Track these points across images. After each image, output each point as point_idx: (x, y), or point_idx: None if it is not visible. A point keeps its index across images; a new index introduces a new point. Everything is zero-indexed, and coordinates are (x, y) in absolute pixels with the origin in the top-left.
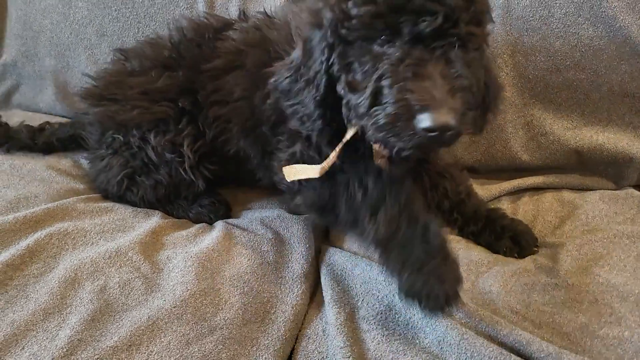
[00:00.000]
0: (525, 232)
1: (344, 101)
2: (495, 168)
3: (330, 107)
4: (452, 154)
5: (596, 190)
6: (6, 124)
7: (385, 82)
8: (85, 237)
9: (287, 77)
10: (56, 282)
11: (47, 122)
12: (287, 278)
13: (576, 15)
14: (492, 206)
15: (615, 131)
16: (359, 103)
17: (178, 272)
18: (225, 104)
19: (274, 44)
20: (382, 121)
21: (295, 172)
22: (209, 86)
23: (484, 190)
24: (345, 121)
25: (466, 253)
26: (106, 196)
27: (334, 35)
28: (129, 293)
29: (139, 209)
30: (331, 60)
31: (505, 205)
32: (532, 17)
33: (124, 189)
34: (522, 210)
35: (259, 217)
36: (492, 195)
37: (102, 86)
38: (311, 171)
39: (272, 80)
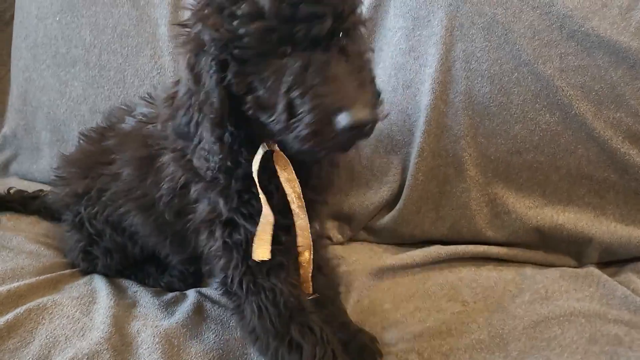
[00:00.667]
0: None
1: (256, 120)
2: (461, 243)
3: (230, 130)
4: (420, 228)
5: (558, 267)
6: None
7: (295, 93)
8: (62, 311)
9: (181, 115)
10: (30, 357)
11: (41, 190)
12: (251, 355)
13: (533, 102)
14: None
15: (575, 211)
16: (273, 120)
17: (145, 349)
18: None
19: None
20: (304, 132)
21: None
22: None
23: (450, 248)
24: (256, 140)
25: None
26: (81, 270)
27: (223, 54)
28: None
29: (117, 280)
30: (227, 80)
31: (467, 269)
32: (492, 103)
33: (84, 261)
34: (484, 275)
35: None
36: (457, 254)
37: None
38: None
39: (164, 127)
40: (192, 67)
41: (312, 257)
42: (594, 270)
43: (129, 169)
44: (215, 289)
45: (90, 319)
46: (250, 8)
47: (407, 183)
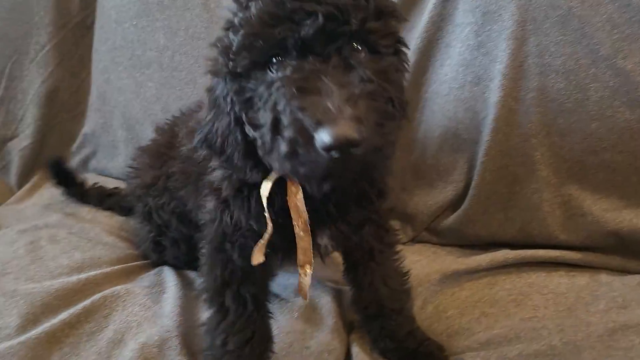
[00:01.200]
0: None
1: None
2: (531, 246)
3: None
4: (487, 230)
5: (635, 274)
6: (83, 182)
7: (280, 107)
8: (134, 299)
9: (201, 141)
10: (105, 342)
11: (117, 187)
12: (312, 349)
13: (612, 98)
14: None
15: None
16: (263, 139)
17: None
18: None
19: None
20: (283, 150)
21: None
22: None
23: (518, 253)
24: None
25: None
26: (152, 262)
27: (228, 73)
28: (165, 352)
29: (185, 272)
30: (230, 104)
31: (537, 274)
32: (567, 99)
33: (154, 252)
34: (555, 281)
35: (294, 282)
36: (525, 259)
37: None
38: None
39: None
40: (209, 91)
41: (312, 270)
42: None
43: (188, 143)
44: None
45: (160, 307)
46: (243, 16)
47: (473, 182)
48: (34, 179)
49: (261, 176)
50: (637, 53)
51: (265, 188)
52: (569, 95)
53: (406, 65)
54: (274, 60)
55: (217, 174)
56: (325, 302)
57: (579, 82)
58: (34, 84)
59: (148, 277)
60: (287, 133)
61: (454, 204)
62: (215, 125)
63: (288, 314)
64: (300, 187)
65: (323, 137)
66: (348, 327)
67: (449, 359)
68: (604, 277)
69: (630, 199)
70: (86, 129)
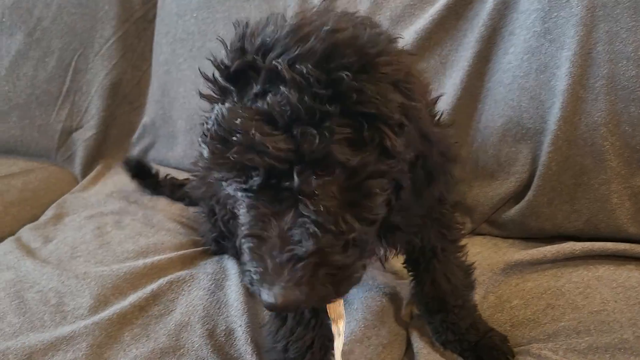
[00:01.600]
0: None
1: None
2: (598, 238)
3: None
4: (551, 222)
5: None
6: (157, 173)
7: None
8: (198, 284)
9: None
10: (173, 324)
11: (187, 179)
12: (372, 343)
13: None
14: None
15: None
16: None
17: None
18: None
19: None
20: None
21: None
22: None
23: (586, 245)
24: None
25: None
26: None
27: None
28: (233, 342)
29: None
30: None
31: (605, 267)
32: (639, 87)
33: (216, 246)
34: (625, 275)
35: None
36: (593, 251)
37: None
38: None
39: None
40: None
41: (344, 328)
42: None
43: None
44: None
45: (225, 294)
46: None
47: (537, 173)
48: (97, 168)
49: None
50: None
51: None
52: None
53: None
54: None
55: None
56: (383, 294)
57: None
58: (98, 76)
59: (210, 264)
60: (247, 272)
61: (517, 195)
62: None
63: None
64: None
65: (264, 296)
66: (407, 317)
67: (512, 350)
68: None
69: None
70: (146, 119)
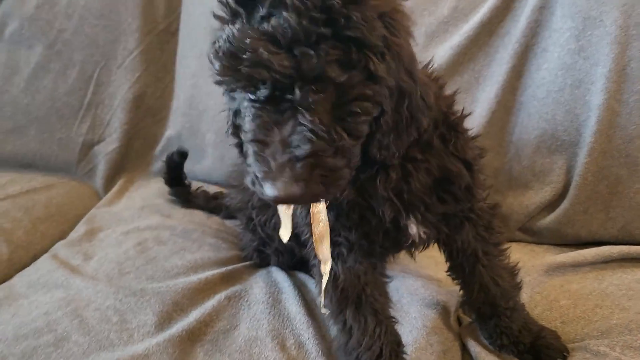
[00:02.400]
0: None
1: None
2: (633, 244)
3: None
4: (587, 229)
5: None
6: (189, 186)
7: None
8: (256, 297)
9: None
10: (242, 339)
11: (220, 192)
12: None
13: None
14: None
15: None
16: (245, 146)
17: None
18: None
19: None
20: (249, 178)
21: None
22: None
23: (622, 248)
24: None
25: None
26: (257, 264)
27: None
28: (305, 355)
29: (293, 273)
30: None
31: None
32: None
33: (259, 258)
34: None
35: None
36: (629, 255)
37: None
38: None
39: None
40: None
41: (329, 270)
42: None
43: None
44: None
45: (284, 307)
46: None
47: (573, 183)
48: (120, 182)
49: None
50: None
51: None
52: None
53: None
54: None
55: None
56: (436, 302)
57: None
58: (121, 89)
59: (261, 278)
60: (250, 173)
61: (552, 204)
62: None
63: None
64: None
65: (266, 190)
66: (455, 324)
67: (566, 347)
68: None
69: None
70: (170, 132)
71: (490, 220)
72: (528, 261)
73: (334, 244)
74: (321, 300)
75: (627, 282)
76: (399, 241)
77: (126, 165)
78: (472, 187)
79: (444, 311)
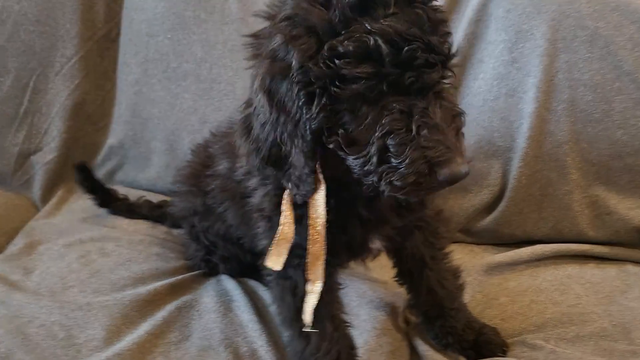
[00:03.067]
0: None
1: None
2: (562, 242)
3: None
4: (522, 229)
5: None
6: (127, 198)
7: (392, 141)
8: (207, 307)
9: (267, 147)
10: (195, 349)
11: (165, 201)
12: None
13: (635, 109)
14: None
15: None
16: (362, 160)
17: None
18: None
19: None
20: (399, 182)
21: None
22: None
23: (554, 246)
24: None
25: None
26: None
27: (312, 87)
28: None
29: (243, 280)
30: (313, 112)
31: (572, 266)
32: (594, 110)
33: (206, 267)
34: (589, 272)
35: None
36: (560, 252)
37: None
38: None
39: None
40: (271, 94)
41: (320, 289)
42: None
43: (224, 160)
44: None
45: (236, 315)
46: (360, 48)
47: (509, 186)
48: (59, 193)
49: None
50: None
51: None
52: (597, 106)
53: None
54: (382, 93)
55: (258, 194)
56: (385, 304)
57: (605, 94)
58: (59, 96)
59: (211, 286)
60: (408, 169)
61: (490, 206)
62: (277, 129)
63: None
64: (324, 185)
65: (446, 173)
66: (403, 324)
67: (506, 342)
68: (631, 268)
69: None
70: (112, 140)
71: (436, 227)
72: (468, 261)
73: (296, 256)
74: (306, 317)
75: (559, 277)
76: (359, 254)
77: (65, 175)
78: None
79: (392, 312)
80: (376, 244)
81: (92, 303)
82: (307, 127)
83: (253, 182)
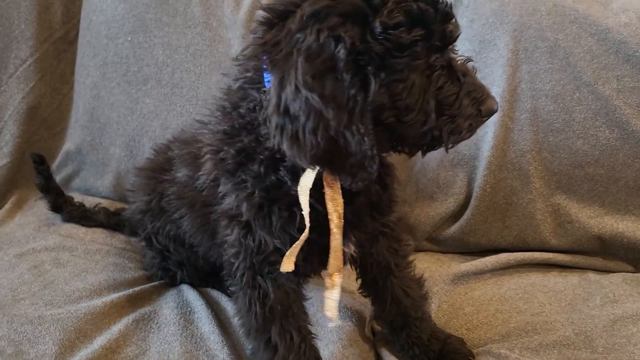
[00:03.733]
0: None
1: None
2: (526, 250)
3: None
4: (487, 237)
5: (617, 272)
6: (82, 204)
7: (446, 92)
8: (166, 319)
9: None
10: None
11: (122, 208)
12: None
13: (594, 119)
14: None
15: (633, 220)
16: (420, 122)
17: None
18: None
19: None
20: (461, 125)
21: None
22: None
23: (518, 255)
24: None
25: None
26: (167, 283)
27: (373, 64)
28: None
29: (204, 290)
30: (373, 91)
31: (535, 275)
32: (555, 120)
33: (165, 276)
34: (552, 280)
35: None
36: (524, 260)
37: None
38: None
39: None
40: (318, 93)
41: (341, 280)
42: None
43: (184, 168)
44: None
45: (197, 328)
46: (409, 15)
47: (474, 195)
48: (12, 199)
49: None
50: (614, 80)
51: (308, 176)
52: (557, 116)
53: None
54: (426, 52)
55: (231, 200)
56: (351, 314)
57: (566, 104)
58: (13, 99)
59: (171, 297)
60: (468, 110)
61: (455, 214)
62: (333, 127)
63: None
64: (338, 180)
65: (489, 107)
66: (369, 334)
67: (471, 351)
68: (591, 276)
69: (610, 207)
70: (69, 145)
71: (399, 233)
72: (435, 270)
73: (269, 264)
74: (331, 313)
75: (523, 286)
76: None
77: (18, 181)
78: (392, 200)
79: (359, 322)
80: (350, 248)
81: (44, 316)
82: (366, 111)
83: (224, 187)
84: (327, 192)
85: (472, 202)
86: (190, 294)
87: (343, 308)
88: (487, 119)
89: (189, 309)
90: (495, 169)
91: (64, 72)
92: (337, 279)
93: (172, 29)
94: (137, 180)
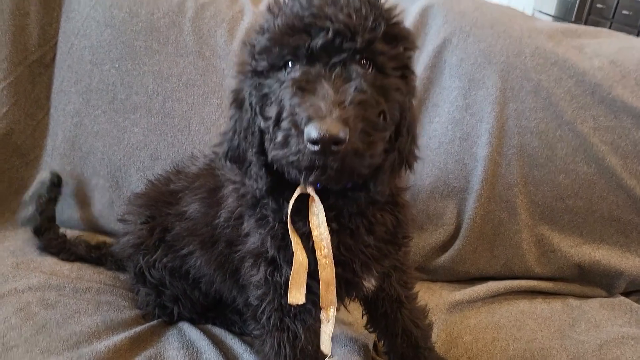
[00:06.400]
0: None
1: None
2: (512, 278)
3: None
4: (475, 266)
5: (593, 297)
6: (64, 235)
7: (284, 103)
8: None
9: (228, 140)
10: None
11: (104, 242)
12: None
13: (574, 155)
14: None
15: (607, 249)
16: (268, 129)
17: None
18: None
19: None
20: (278, 139)
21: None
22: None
23: (506, 283)
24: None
25: None
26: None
27: (251, 72)
28: None
29: (206, 327)
30: (252, 99)
31: (523, 302)
32: (540, 155)
33: (163, 315)
34: (539, 307)
35: None
36: (512, 288)
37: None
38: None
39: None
40: (236, 92)
41: (335, 314)
42: (624, 299)
43: (196, 204)
44: (244, 313)
45: None
46: (269, 24)
47: (464, 225)
48: None
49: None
50: (590, 119)
51: (290, 203)
52: (541, 152)
53: (413, 89)
54: (289, 63)
55: (255, 238)
56: (359, 347)
57: (549, 141)
58: None
59: (173, 337)
60: (284, 124)
61: (445, 244)
62: (237, 125)
63: None
64: (321, 205)
65: (310, 130)
66: None
67: None
68: (573, 302)
69: (588, 236)
70: (44, 175)
71: (408, 266)
72: (428, 299)
73: (303, 305)
74: (325, 347)
75: (514, 313)
76: (351, 293)
77: None
78: (407, 236)
79: (365, 354)
80: (371, 282)
81: None
82: (257, 122)
83: (248, 224)
84: (311, 220)
85: (462, 233)
86: (192, 332)
87: (349, 342)
88: (312, 146)
89: (194, 349)
90: (485, 202)
91: (39, 97)
92: (332, 312)
93: (163, 57)
94: (131, 209)
